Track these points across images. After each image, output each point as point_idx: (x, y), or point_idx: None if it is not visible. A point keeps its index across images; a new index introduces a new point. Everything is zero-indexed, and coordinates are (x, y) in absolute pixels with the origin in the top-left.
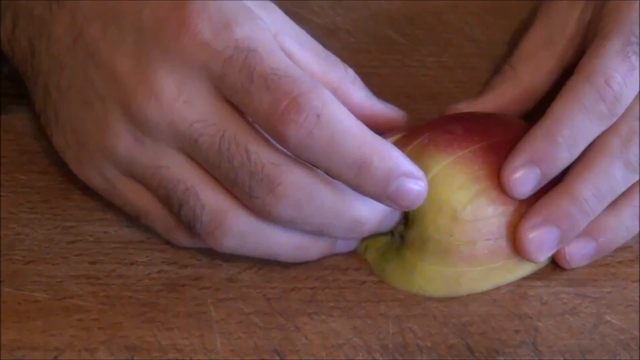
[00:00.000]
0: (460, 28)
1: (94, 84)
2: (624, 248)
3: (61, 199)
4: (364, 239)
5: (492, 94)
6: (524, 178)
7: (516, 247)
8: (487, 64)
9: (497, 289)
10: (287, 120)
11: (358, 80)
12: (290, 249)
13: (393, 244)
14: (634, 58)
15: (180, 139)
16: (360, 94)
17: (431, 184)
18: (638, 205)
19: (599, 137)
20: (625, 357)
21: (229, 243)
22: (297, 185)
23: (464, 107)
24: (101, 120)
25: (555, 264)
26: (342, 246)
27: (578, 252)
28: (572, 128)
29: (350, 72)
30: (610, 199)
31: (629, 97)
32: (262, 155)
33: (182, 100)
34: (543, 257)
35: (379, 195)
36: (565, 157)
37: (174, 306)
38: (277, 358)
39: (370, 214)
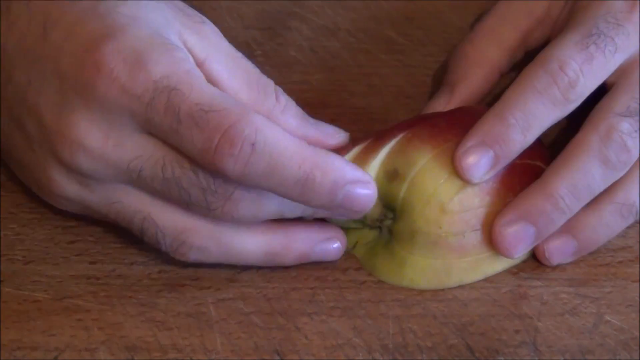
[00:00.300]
0: (460, 28)
1: (29, 131)
2: (623, 248)
3: None
4: (352, 234)
5: (463, 84)
6: (476, 160)
7: (492, 242)
8: None
9: (497, 289)
10: (222, 155)
11: (291, 106)
12: (259, 256)
13: (382, 238)
14: (593, 48)
15: (123, 176)
16: (289, 124)
17: (417, 176)
18: (620, 202)
19: (577, 135)
20: (625, 357)
21: (195, 257)
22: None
23: (442, 103)
24: (42, 169)
25: (555, 266)
26: (321, 254)
27: (557, 249)
28: (524, 110)
29: (282, 99)
30: (588, 197)
31: (586, 86)
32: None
33: (111, 144)
34: (519, 253)
35: (329, 206)
36: (518, 139)
37: (174, 306)
38: (277, 358)
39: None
